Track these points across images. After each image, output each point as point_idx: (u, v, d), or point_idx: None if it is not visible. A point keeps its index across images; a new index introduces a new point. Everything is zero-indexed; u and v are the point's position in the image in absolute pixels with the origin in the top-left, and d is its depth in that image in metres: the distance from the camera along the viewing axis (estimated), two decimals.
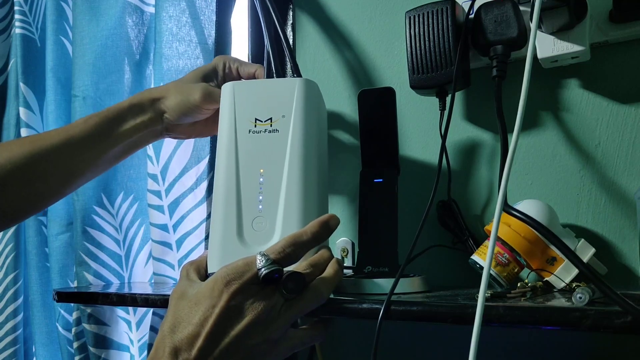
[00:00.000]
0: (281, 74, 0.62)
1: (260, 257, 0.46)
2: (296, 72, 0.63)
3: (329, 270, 0.49)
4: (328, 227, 0.50)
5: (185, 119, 0.62)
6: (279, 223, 0.50)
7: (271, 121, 0.53)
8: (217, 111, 0.57)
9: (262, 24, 0.63)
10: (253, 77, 0.67)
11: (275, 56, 0.61)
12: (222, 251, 0.49)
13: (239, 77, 0.67)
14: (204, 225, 0.76)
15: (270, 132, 0.53)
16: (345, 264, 0.72)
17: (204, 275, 0.51)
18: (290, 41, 0.80)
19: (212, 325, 0.44)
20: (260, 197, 0.51)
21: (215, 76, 0.66)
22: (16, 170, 0.55)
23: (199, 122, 0.65)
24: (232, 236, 0.50)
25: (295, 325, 0.48)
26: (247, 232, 0.51)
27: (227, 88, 0.55)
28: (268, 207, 0.51)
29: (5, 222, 0.60)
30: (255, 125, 0.53)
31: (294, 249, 0.47)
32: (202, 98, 0.60)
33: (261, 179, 0.52)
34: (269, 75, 0.62)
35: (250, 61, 0.76)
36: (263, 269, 0.45)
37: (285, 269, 0.46)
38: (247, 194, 0.51)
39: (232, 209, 0.51)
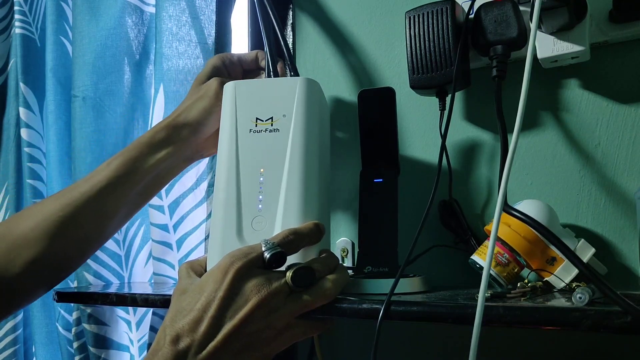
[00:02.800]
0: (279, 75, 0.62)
1: (264, 242, 0.47)
2: (294, 74, 0.63)
3: (339, 272, 0.49)
4: (320, 230, 0.50)
5: (208, 124, 0.61)
6: (278, 223, 0.50)
7: (272, 120, 0.53)
8: None
9: (261, 26, 0.63)
10: (256, 61, 0.67)
11: (274, 58, 0.61)
12: (222, 250, 0.49)
13: (241, 68, 0.67)
14: (204, 225, 0.76)
15: (271, 131, 0.53)
16: (345, 264, 0.72)
17: (202, 273, 0.51)
18: (290, 41, 0.80)
19: (216, 308, 0.44)
20: (261, 197, 0.51)
21: (220, 74, 0.65)
22: (52, 225, 0.56)
23: None
24: (231, 235, 0.50)
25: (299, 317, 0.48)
26: (246, 231, 0.51)
27: (228, 87, 0.55)
28: (268, 206, 0.51)
29: (55, 275, 0.60)
30: (256, 125, 0.53)
31: (295, 238, 0.48)
32: (218, 88, 0.59)
33: (261, 179, 0.52)
34: (268, 76, 0.62)
35: None
36: (267, 252, 0.46)
37: (294, 263, 0.47)
38: (247, 194, 0.51)
39: (232, 208, 0.51)
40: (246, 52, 0.67)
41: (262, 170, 0.52)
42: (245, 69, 0.68)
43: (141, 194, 0.62)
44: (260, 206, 0.51)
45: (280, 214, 0.50)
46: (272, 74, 0.60)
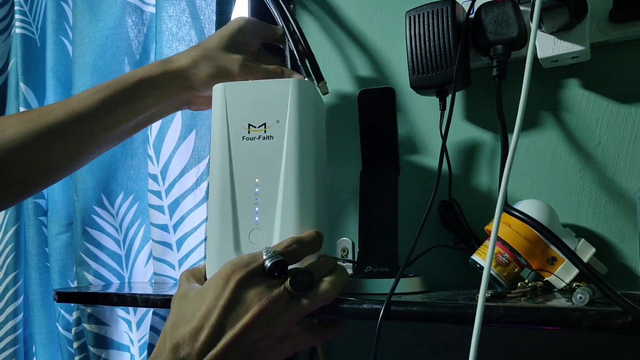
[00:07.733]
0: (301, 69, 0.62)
1: (265, 250, 0.46)
2: (315, 72, 0.63)
3: (337, 273, 0.49)
4: (320, 239, 0.50)
5: (210, 90, 0.57)
6: (276, 235, 0.49)
7: (265, 127, 0.51)
8: None
9: (281, 23, 0.63)
10: (278, 38, 0.65)
11: (298, 52, 0.61)
12: (220, 265, 0.48)
13: (258, 40, 0.64)
14: (204, 225, 0.76)
15: (264, 138, 0.51)
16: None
17: (202, 281, 0.51)
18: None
19: (217, 317, 0.43)
20: (257, 209, 0.50)
21: (241, 41, 0.60)
22: (17, 149, 0.52)
23: None
24: (229, 250, 0.49)
25: (300, 324, 0.48)
26: (244, 245, 0.50)
27: (218, 90, 0.53)
28: (265, 218, 0.50)
29: (5, 203, 0.57)
30: (249, 132, 0.51)
31: (298, 247, 0.48)
32: (240, 71, 0.57)
33: (257, 190, 0.50)
34: (293, 67, 0.62)
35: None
36: (268, 260, 0.45)
37: (293, 268, 0.47)
38: (243, 206, 0.50)
39: (228, 221, 0.50)
40: (273, 27, 0.64)
41: (257, 180, 0.50)
42: (265, 42, 0.65)
43: (118, 135, 0.57)
44: (257, 218, 0.50)
45: (278, 226, 0.49)
46: (300, 68, 0.61)
